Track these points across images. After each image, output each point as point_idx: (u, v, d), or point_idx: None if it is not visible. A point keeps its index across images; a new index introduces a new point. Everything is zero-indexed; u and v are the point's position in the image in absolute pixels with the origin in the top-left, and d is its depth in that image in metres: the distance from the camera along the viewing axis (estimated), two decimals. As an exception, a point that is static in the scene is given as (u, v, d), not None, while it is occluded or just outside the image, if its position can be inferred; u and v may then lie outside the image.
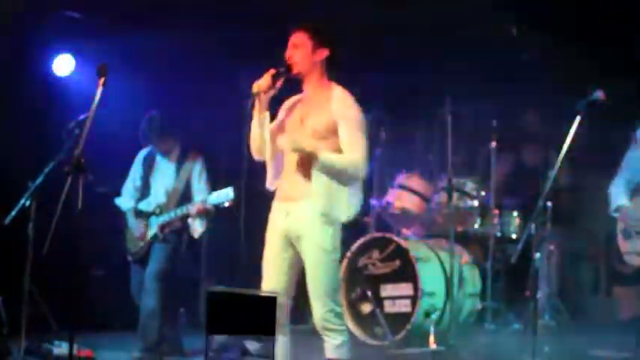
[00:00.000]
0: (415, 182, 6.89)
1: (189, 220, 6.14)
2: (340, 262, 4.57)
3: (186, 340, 6.47)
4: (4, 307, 6.05)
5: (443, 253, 6.47)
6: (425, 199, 6.84)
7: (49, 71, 7.22)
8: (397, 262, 6.41)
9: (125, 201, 6.38)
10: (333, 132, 4.25)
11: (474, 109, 7.70)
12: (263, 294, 2.53)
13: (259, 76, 4.33)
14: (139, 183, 6.37)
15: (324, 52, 4.37)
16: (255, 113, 4.35)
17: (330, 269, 4.23)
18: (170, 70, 7.38)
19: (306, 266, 4.23)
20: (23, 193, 5.56)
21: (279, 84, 4.33)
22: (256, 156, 4.46)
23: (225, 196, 5.82)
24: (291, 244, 4.31)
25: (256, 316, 2.44)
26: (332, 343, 4.18)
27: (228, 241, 7.77)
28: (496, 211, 6.56)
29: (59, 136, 5.44)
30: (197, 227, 6.16)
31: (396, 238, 6.48)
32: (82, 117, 5.26)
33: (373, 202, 7.00)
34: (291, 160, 4.34)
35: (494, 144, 6.56)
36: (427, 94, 7.04)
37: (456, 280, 6.26)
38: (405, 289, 6.30)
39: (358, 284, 6.54)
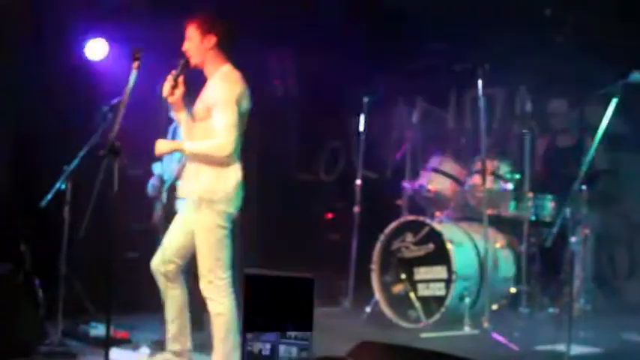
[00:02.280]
0: (448, 165, 6.86)
1: None
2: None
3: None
4: (41, 290, 6.12)
5: (477, 236, 6.44)
6: (458, 182, 6.80)
7: (82, 55, 7.26)
8: (431, 245, 6.39)
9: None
10: (210, 114, 4.61)
11: (508, 90, 7.66)
12: (300, 275, 2.52)
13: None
14: None
15: (212, 39, 4.68)
16: (174, 115, 4.78)
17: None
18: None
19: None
20: (58, 176, 5.60)
21: (181, 81, 4.65)
22: None
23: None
24: None
25: (294, 297, 2.43)
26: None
27: (258, 223, 7.85)
28: (530, 195, 6.49)
29: (93, 120, 5.48)
30: None
31: (429, 221, 6.46)
32: (115, 101, 5.30)
33: (406, 184, 6.98)
34: None
35: (528, 126, 6.49)
36: (460, 76, 6.98)
37: (490, 263, 6.22)
38: (439, 272, 6.28)
39: (392, 267, 6.53)
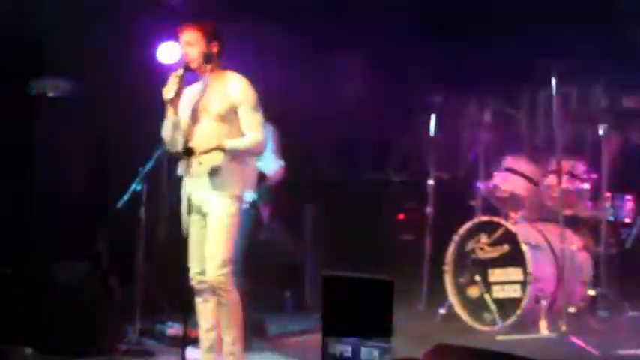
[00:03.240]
0: (523, 165, 6.75)
1: None
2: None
3: (291, 322, 6.56)
4: (118, 289, 6.23)
5: (552, 237, 6.32)
6: (533, 182, 6.69)
7: (153, 58, 7.35)
8: (506, 247, 6.30)
9: None
10: (233, 113, 4.78)
11: (582, 88, 7.51)
12: (379, 278, 2.50)
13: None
14: None
15: (217, 46, 4.86)
16: (169, 116, 4.82)
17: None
18: (264, 57, 7.42)
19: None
20: (134, 178, 5.69)
21: (183, 83, 4.79)
22: (171, 149, 4.94)
23: (270, 163, 5.79)
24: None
25: (373, 299, 2.41)
26: None
27: (335, 222, 7.85)
28: (608, 195, 6.35)
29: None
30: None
31: (504, 222, 6.37)
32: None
33: (479, 185, 6.90)
34: None
35: (603, 124, 6.34)
36: (533, 74, 6.87)
37: (567, 265, 6.10)
38: (515, 273, 6.19)
39: (466, 268, 6.47)
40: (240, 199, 4.91)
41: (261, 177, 5.80)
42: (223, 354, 4.87)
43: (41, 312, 5.70)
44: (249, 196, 5.63)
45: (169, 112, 4.84)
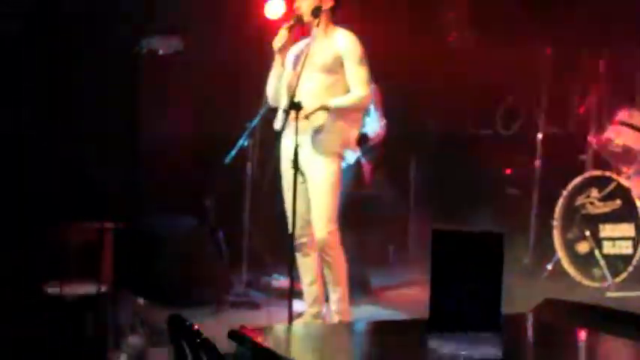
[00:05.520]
0: (637, 118, 6.49)
1: None
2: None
3: (395, 276, 6.53)
4: (225, 243, 6.35)
5: (668, 192, 6.10)
6: (648, 135, 6.44)
7: (261, 15, 7.38)
8: (618, 202, 6.11)
9: None
10: (339, 65, 4.79)
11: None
12: (489, 230, 2.46)
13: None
14: None
15: (330, 2, 4.85)
16: (276, 66, 4.90)
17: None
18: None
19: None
20: (241, 133, 5.76)
21: (292, 35, 4.85)
22: (273, 104, 5.02)
23: (373, 124, 5.73)
24: None
25: (482, 253, 2.38)
26: None
27: (441, 177, 7.79)
28: None
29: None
30: None
31: (616, 177, 6.18)
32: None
33: (590, 139, 6.70)
34: None
35: None
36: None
37: (682, 221, 5.89)
38: (626, 229, 6.01)
39: (575, 224, 6.32)
40: (342, 156, 4.91)
41: (365, 138, 5.80)
42: (330, 310, 4.93)
43: (151, 265, 5.88)
44: (352, 156, 5.64)
45: (276, 62, 4.90)
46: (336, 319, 4.88)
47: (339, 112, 4.81)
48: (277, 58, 4.89)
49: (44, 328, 4.54)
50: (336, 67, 4.80)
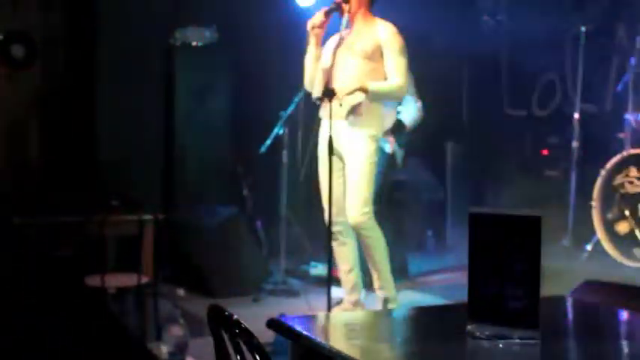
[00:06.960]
0: (676, 94, 6.41)
1: None
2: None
3: (433, 261, 6.51)
4: (263, 231, 6.38)
5: None
6: (687, 112, 6.34)
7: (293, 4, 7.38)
8: (658, 180, 6.04)
9: None
10: (379, 54, 4.82)
11: None
12: (526, 214, 2.44)
13: None
14: None
15: None
16: (311, 48, 4.93)
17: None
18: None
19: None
20: (276, 122, 5.77)
21: (329, 19, 4.87)
22: (308, 88, 5.03)
23: (409, 112, 5.71)
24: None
25: (520, 236, 2.37)
26: None
27: (477, 159, 7.74)
28: None
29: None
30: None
31: (656, 155, 6.10)
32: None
33: (628, 116, 6.60)
34: None
35: None
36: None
37: None
38: (667, 208, 5.94)
39: (614, 203, 6.24)
40: (378, 139, 4.90)
41: (400, 126, 5.78)
42: (374, 295, 4.94)
43: (190, 255, 5.93)
44: (388, 146, 5.64)
45: (311, 43, 4.92)
46: (380, 302, 4.89)
47: (376, 97, 4.82)
48: (311, 39, 4.91)
49: (86, 321, 4.61)
50: (375, 55, 4.82)
